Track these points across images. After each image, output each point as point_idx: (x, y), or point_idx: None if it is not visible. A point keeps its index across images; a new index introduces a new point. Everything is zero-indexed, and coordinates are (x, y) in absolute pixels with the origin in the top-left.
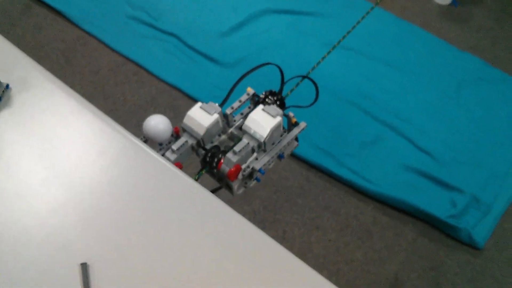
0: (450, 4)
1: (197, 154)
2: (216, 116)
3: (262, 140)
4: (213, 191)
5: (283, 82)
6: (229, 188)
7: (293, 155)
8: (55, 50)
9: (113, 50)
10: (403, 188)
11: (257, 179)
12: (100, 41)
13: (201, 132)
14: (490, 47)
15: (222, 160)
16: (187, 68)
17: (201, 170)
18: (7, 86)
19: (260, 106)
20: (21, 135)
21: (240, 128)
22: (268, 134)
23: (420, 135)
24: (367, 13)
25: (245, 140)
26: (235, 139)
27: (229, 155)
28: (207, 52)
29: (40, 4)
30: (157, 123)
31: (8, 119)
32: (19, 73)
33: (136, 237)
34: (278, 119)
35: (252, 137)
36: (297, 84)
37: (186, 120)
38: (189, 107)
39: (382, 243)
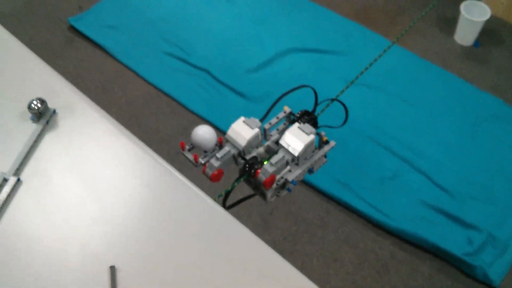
0: (472, 45)
1: (237, 163)
2: (256, 130)
3: (296, 155)
4: (248, 198)
5: (316, 103)
6: (263, 196)
7: (313, 187)
8: (94, 80)
9: (148, 82)
10: (420, 224)
11: (289, 190)
12: (136, 73)
13: (242, 143)
14: (509, 88)
15: (259, 170)
16: (216, 101)
17: (239, 177)
18: (54, 111)
19: (296, 124)
20: (64, 155)
21: (276, 142)
22: (303, 149)
23: (436, 171)
24: (384, 51)
25: (281, 154)
26: (271, 152)
27: (266, 165)
28: (235, 87)
29: (82, 37)
30: (205, 133)
31: (54, 141)
32: (64, 100)
33: (159, 249)
34: (312, 137)
35: (287, 151)
36: (327, 106)
37: (230, 132)
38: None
39: (399, 278)
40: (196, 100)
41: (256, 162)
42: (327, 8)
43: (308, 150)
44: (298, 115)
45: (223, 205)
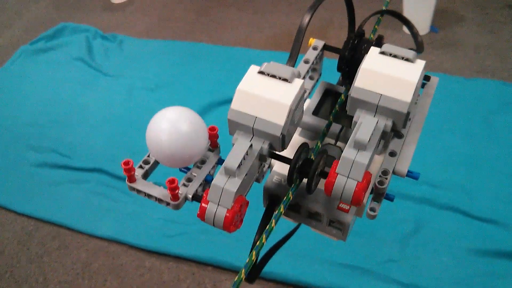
0: (429, 32)
1: (260, 173)
2: (300, 82)
3: (404, 109)
4: (290, 236)
5: (352, 12)
6: (334, 227)
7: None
8: None
9: (19, 214)
10: (481, 283)
11: (391, 197)
12: (1, 208)
13: (281, 119)
14: (500, 64)
15: (335, 167)
16: (121, 208)
17: (279, 205)
18: None
19: (375, 49)
20: None
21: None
22: (414, 94)
23: (468, 199)
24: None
25: (370, 117)
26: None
27: (349, 151)
28: None
29: None
30: (180, 120)
31: None
32: None
33: None
34: (422, 63)
35: (378, 108)
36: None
37: (238, 105)
38: (139, 263)
39: None
40: (92, 216)
41: (321, 155)
42: (240, 46)
43: (416, 95)
44: (368, 40)
45: (250, 280)
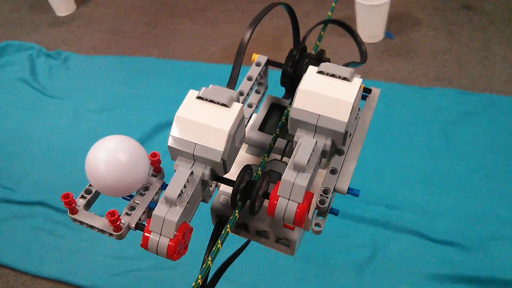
0: (384, 38)
1: (205, 196)
2: (238, 106)
3: (342, 129)
4: (238, 254)
5: (296, 26)
6: (282, 244)
7: None
8: None
9: None
10: None
11: (335, 211)
12: None
13: (221, 145)
14: (457, 70)
15: (277, 189)
16: (67, 245)
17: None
18: None
19: (313, 68)
20: None
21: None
22: (352, 113)
23: (427, 220)
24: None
25: (308, 138)
26: (267, 147)
27: (289, 173)
28: None
29: None
30: (119, 149)
31: None
32: None
33: None
34: (358, 82)
35: (316, 129)
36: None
37: (177, 132)
38: None
39: None
40: (39, 255)
41: (264, 175)
42: (194, 60)
43: (354, 114)
44: (309, 55)
45: None
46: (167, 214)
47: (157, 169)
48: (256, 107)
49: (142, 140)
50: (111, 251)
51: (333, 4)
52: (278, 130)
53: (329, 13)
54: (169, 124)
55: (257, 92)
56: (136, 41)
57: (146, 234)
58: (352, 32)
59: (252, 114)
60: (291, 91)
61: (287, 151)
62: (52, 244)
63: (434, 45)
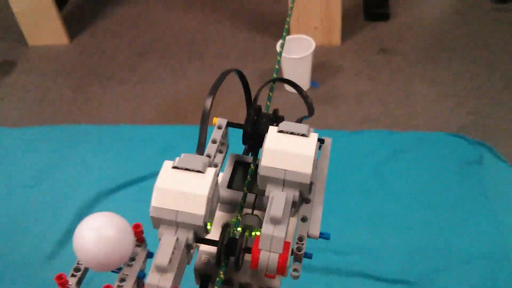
0: (310, 88)
1: (188, 260)
2: (212, 170)
3: (307, 180)
4: None
5: (247, 88)
6: None
7: None
8: None
9: None
10: None
11: (308, 255)
12: None
13: (201, 209)
14: (382, 109)
15: (257, 243)
16: None
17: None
18: None
19: (273, 128)
20: None
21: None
22: (314, 165)
23: (375, 261)
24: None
25: (278, 192)
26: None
27: (267, 227)
28: None
29: None
30: (109, 227)
31: None
32: None
33: None
34: (315, 136)
35: (284, 182)
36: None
37: (158, 202)
38: None
39: None
40: None
41: (243, 231)
42: (126, 123)
43: (315, 164)
44: (265, 114)
45: None
46: (160, 281)
47: (140, 239)
48: (221, 167)
49: (84, 210)
50: None
51: (276, 66)
52: (245, 188)
53: (274, 74)
54: (112, 191)
55: (220, 151)
56: (63, 108)
57: None
58: (297, 87)
59: (218, 173)
60: (253, 147)
61: (257, 204)
62: None
63: (357, 89)
